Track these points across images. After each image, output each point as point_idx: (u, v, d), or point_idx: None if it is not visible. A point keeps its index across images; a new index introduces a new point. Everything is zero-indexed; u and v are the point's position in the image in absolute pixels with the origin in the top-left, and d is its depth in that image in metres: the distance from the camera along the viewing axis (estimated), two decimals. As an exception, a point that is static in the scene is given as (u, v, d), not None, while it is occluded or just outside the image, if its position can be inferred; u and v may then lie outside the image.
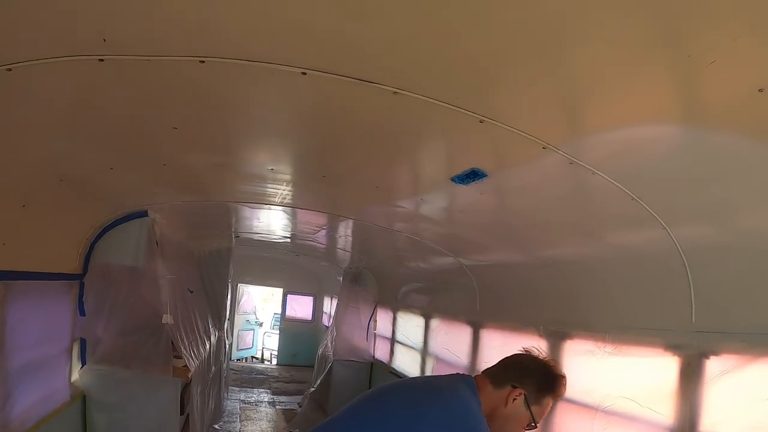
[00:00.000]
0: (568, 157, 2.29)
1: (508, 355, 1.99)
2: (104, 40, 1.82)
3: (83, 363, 4.98)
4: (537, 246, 3.85)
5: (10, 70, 1.95)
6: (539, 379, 1.87)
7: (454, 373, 2.20)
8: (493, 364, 2.00)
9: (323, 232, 7.28)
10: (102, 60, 1.93)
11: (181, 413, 5.48)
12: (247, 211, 6.22)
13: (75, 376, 4.86)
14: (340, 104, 2.30)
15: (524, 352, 1.97)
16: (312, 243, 8.83)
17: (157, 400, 5.24)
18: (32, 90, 2.21)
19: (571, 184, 2.68)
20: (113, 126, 2.80)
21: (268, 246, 10.73)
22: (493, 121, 2.13)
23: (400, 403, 1.77)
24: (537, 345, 2.04)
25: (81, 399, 4.92)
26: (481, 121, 2.13)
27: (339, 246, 8.53)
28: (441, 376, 2.05)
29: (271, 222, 7.20)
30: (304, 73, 1.95)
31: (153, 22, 1.74)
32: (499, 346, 4.90)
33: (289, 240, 9.27)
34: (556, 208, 3.09)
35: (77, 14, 1.68)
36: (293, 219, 6.60)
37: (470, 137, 2.42)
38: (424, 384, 2.12)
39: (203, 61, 1.91)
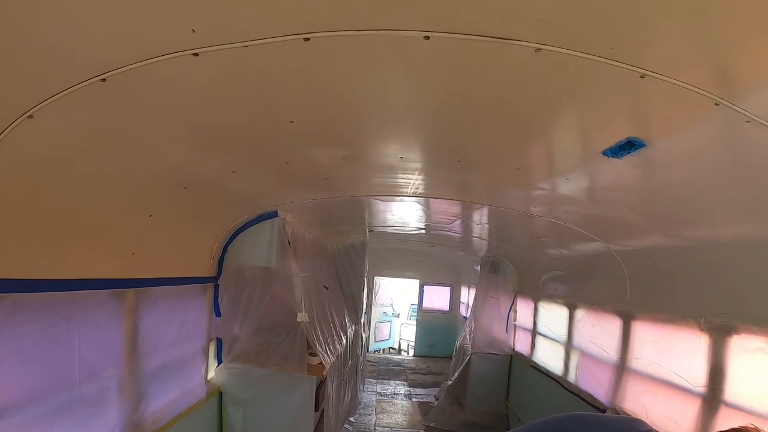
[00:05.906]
0: (746, 114, 1.92)
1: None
2: (193, 31, 1.64)
3: (219, 361, 5.16)
4: (698, 227, 3.40)
5: (104, 80, 1.85)
6: None
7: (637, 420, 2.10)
8: None
9: (459, 221, 7.00)
10: (196, 54, 1.77)
11: (316, 410, 5.47)
12: (380, 205, 6.07)
13: (211, 373, 5.04)
14: (471, 71, 1.98)
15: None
16: (447, 233, 8.64)
17: (292, 397, 5.27)
18: (132, 97, 2.07)
19: (746, 150, 2.27)
20: (226, 128, 2.67)
21: (403, 238, 10.76)
22: (657, 75, 1.79)
23: None
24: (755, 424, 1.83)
25: (217, 396, 5.11)
26: (642, 76, 1.81)
27: (475, 234, 8.22)
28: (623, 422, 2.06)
29: (405, 214, 7.04)
30: (427, 38, 1.68)
31: (242, 1, 1.52)
32: (653, 340, 4.42)
33: (423, 231, 9.12)
34: (722, 181, 2.65)
35: (158, 7, 1.51)
36: (427, 209, 6.38)
37: (628, 98, 2.08)
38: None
39: (308, 39, 1.70)
